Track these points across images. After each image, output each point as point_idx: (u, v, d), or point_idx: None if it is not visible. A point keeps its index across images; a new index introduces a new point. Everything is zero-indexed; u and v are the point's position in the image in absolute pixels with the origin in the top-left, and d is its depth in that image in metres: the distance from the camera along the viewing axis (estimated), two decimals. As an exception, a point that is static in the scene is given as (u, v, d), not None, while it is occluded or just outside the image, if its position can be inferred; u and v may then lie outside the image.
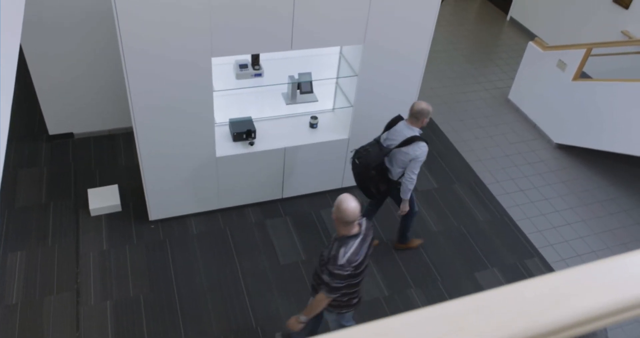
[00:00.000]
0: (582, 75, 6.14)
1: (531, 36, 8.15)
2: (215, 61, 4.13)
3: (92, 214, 4.89)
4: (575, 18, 7.62)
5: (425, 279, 4.70)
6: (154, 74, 3.89)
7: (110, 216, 4.92)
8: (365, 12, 4.11)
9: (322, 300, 3.17)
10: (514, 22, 8.90)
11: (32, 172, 5.30)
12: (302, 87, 4.78)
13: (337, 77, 4.99)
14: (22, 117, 5.91)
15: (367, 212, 4.69)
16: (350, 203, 2.95)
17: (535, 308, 0.71)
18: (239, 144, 4.71)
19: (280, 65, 4.72)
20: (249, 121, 4.74)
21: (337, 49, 4.86)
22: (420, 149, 3.99)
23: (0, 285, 4.28)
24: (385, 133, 4.19)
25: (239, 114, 4.80)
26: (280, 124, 4.96)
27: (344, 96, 4.96)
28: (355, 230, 3.06)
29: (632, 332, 4.48)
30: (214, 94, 4.22)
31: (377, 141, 4.20)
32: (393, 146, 4.08)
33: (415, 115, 4.02)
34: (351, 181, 5.33)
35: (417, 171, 4.09)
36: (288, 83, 4.76)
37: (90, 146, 5.65)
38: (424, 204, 5.35)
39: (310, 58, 4.83)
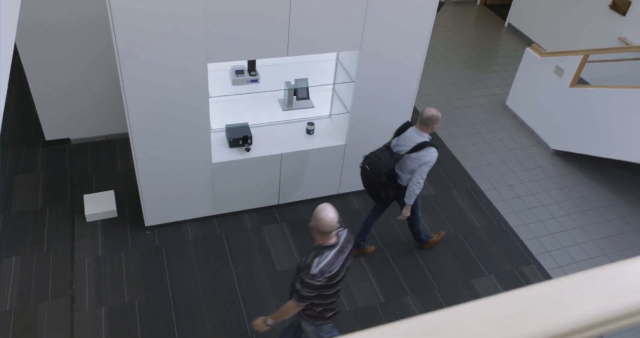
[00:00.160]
0: (579, 81, 6.14)
1: (529, 42, 8.16)
2: (211, 67, 4.14)
3: (88, 220, 4.88)
4: (572, 24, 7.64)
5: (421, 286, 4.68)
6: (150, 80, 3.89)
7: (106, 222, 4.91)
8: (361, 18, 4.12)
9: (291, 307, 3.14)
10: (512, 29, 8.92)
11: (29, 177, 5.29)
12: (298, 93, 4.78)
13: (334, 84, 4.99)
14: (19, 122, 5.91)
15: (371, 216, 4.69)
16: (328, 214, 2.90)
17: (531, 316, 0.70)
18: (235, 150, 4.70)
19: (277, 71, 4.72)
20: (245, 127, 4.74)
21: (333, 55, 4.86)
22: (431, 155, 4.04)
23: (-5, 291, 4.26)
24: (395, 139, 4.23)
25: (235, 120, 4.80)
26: (277, 130, 4.95)
27: (340, 102, 4.96)
28: (332, 240, 3.02)
29: (629, 340, 4.46)
30: (210, 100, 4.22)
31: (387, 147, 4.23)
32: (403, 152, 4.13)
33: (425, 121, 4.06)
34: (348, 187, 5.34)
35: (425, 176, 4.13)
36: (284, 89, 4.76)
37: (87, 152, 5.65)
38: (421, 211, 5.33)
39: (306, 64, 4.83)
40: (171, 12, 3.61)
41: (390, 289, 4.62)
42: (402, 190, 4.31)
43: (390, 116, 4.87)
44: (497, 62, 8.10)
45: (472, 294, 4.65)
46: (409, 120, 4.29)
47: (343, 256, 3.07)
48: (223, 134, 4.80)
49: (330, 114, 5.19)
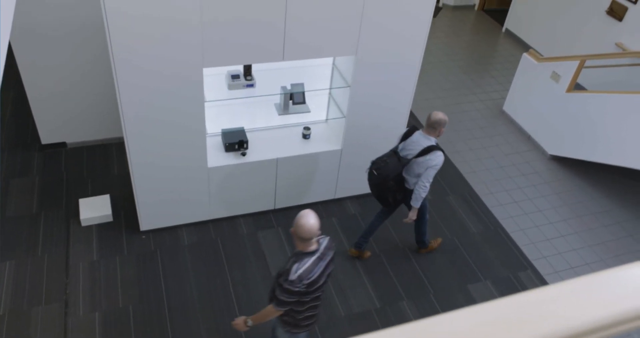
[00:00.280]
0: (576, 87, 6.15)
1: (526, 47, 8.17)
2: (207, 71, 4.14)
3: (83, 224, 4.87)
4: (569, 30, 7.65)
5: (417, 291, 4.66)
6: (145, 85, 3.89)
7: (101, 226, 4.89)
8: (357, 24, 4.12)
9: (270, 311, 3.14)
10: (509, 34, 8.94)
11: (24, 181, 5.28)
12: (294, 97, 4.78)
13: (330, 88, 4.99)
14: (15, 126, 5.90)
15: (377, 218, 4.71)
16: (309, 220, 2.89)
17: (527, 322, 0.70)
18: (231, 154, 4.70)
19: (273, 76, 4.72)
20: (241, 132, 4.73)
21: (330, 60, 4.87)
22: (438, 159, 4.09)
23: (-11, 296, 4.25)
24: (402, 143, 4.26)
25: (231, 124, 4.80)
26: (273, 135, 4.95)
27: (337, 106, 4.96)
28: (312, 247, 3.00)
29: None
30: (206, 104, 4.22)
31: (394, 151, 4.26)
32: (411, 157, 4.17)
33: (432, 125, 4.11)
34: (344, 192, 5.34)
35: (431, 180, 4.17)
36: (280, 94, 4.76)
37: (83, 156, 5.64)
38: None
39: (303, 69, 4.83)
40: (167, 17, 3.61)
41: (385, 294, 4.61)
42: (409, 193, 4.36)
43: (386, 120, 4.87)
44: (495, 67, 8.11)
45: (467, 300, 4.64)
46: (414, 124, 4.32)
47: (323, 264, 3.04)
48: (219, 139, 4.80)
49: (326, 119, 5.19)
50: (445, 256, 5.01)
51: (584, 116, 5.82)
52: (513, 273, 4.92)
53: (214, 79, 4.58)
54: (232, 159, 4.67)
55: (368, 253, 4.88)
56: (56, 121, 5.46)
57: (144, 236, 4.84)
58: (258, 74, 4.66)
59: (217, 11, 3.69)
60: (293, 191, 5.11)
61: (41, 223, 4.87)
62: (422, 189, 4.18)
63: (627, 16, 6.76)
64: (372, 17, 4.13)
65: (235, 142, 4.65)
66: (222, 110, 4.68)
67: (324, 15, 3.99)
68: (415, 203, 4.27)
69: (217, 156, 4.66)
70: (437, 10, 9.60)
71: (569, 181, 6.08)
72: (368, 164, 4.38)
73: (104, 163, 5.59)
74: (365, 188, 5.40)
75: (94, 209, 4.92)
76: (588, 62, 5.92)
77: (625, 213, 5.72)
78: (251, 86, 4.59)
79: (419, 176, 4.20)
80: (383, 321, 4.40)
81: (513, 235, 5.30)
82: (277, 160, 4.76)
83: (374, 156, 4.39)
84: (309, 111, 4.92)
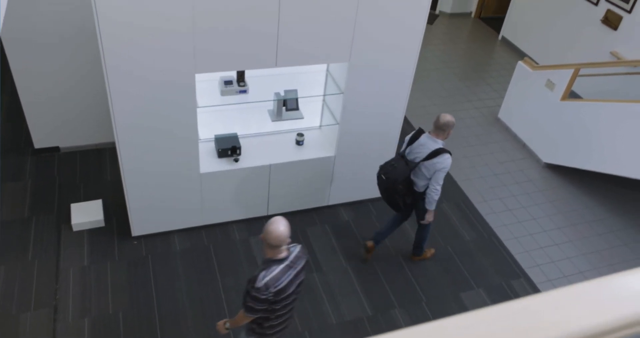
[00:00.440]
0: (571, 95, 6.16)
1: (522, 55, 8.19)
2: (199, 77, 4.13)
3: (75, 229, 4.84)
4: (564, 38, 7.67)
5: (409, 299, 4.64)
6: (137, 92, 3.88)
7: (93, 232, 4.87)
8: (350, 31, 4.12)
9: (241, 316, 3.10)
10: (505, 42, 8.96)
11: (17, 186, 5.26)
12: (287, 104, 4.77)
13: (324, 95, 4.99)
14: (8, 130, 5.88)
15: (392, 224, 4.71)
16: (279, 227, 2.86)
17: (519, 329, 0.70)
18: (223, 160, 4.68)
19: (266, 82, 4.72)
20: (234, 138, 4.72)
21: (323, 66, 4.87)
22: (445, 161, 4.12)
23: (-23, 301, 4.21)
24: (409, 147, 4.26)
25: (224, 130, 4.79)
26: (266, 141, 4.94)
27: (330, 113, 4.95)
28: (282, 254, 2.96)
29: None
30: (199, 110, 4.21)
31: (401, 155, 4.28)
32: (419, 160, 4.17)
33: (441, 127, 4.12)
34: (337, 199, 5.33)
35: (441, 182, 4.19)
36: (274, 100, 4.75)
37: (76, 160, 5.62)
38: (410, 223, 5.30)
39: (296, 75, 4.83)
40: (159, 23, 3.61)
41: (377, 302, 4.58)
42: (418, 197, 4.37)
43: (380, 127, 4.86)
44: (491, 75, 8.12)
45: (460, 308, 4.61)
46: (421, 127, 4.33)
47: (293, 272, 2.99)
48: (212, 145, 4.79)
49: (320, 126, 5.18)
50: (438, 264, 4.99)
51: (579, 124, 5.82)
52: (506, 282, 4.90)
53: (207, 84, 4.57)
54: (224, 165, 4.66)
55: (370, 254, 4.86)
56: (49, 126, 5.45)
57: (135, 242, 4.82)
58: (251, 80, 4.66)
59: (209, 18, 3.68)
60: (286, 197, 5.10)
61: (32, 227, 4.85)
62: (434, 193, 4.21)
63: (622, 25, 6.77)
64: (365, 24, 4.13)
65: (228, 148, 4.64)
66: (214, 116, 4.67)
67: (317, 22, 3.99)
68: (430, 206, 4.31)
69: (209, 162, 4.65)
70: (434, 17, 9.62)
71: (563, 190, 6.07)
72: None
73: (97, 168, 5.57)
74: (358, 195, 5.41)
75: (86, 214, 4.90)
76: (583, 71, 5.93)
77: (619, 222, 5.71)
78: (244, 91, 4.59)
79: (427, 179, 4.22)
80: (374, 329, 4.37)
81: (507, 243, 5.29)
82: (270, 166, 4.75)
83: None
84: (302, 118, 4.92)
